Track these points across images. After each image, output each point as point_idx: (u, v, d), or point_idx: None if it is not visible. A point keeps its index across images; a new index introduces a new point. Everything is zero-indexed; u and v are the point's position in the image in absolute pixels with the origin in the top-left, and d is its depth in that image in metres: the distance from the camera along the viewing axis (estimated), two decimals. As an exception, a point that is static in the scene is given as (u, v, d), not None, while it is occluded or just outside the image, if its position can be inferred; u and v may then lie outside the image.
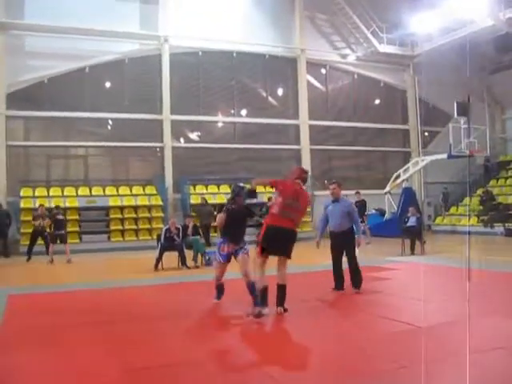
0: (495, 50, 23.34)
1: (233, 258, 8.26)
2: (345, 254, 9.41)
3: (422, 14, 25.34)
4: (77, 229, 20.90)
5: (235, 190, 8.56)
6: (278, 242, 7.65)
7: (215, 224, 22.15)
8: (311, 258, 13.72)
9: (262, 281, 7.71)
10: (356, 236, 9.48)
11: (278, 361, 5.72)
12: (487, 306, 7.79)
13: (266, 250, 7.72)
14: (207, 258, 14.76)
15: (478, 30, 23.37)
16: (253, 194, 8.97)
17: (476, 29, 23.55)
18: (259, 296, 7.60)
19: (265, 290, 7.68)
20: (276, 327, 7.35)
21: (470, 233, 23.00)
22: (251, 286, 7.81)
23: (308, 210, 8.03)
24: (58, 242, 16.79)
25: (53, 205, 19.07)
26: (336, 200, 9.45)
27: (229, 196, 9.18)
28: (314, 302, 8.73)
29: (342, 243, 9.34)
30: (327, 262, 9.61)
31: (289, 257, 7.83)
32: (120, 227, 21.57)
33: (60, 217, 17.08)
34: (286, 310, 7.67)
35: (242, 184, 8.72)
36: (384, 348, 6.05)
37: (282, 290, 7.68)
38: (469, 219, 25.19)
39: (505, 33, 22.86)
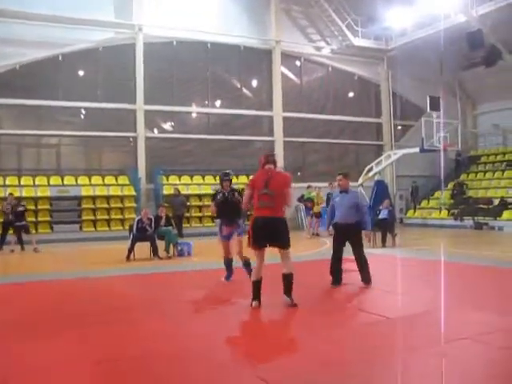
0: (468, 46, 23.56)
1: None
2: (351, 249, 9.22)
3: (396, 9, 25.54)
4: (48, 218, 20.72)
5: (221, 177, 9.94)
6: (263, 232, 7.45)
7: (187, 214, 22.40)
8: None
9: (256, 273, 7.63)
10: (363, 230, 9.38)
11: (252, 351, 5.77)
12: (456, 297, 7.93)
13: (255, 241, 7.57)
14: (179, 248, 14.76)
15: (451, 25, 23.60)
16: None
17: (449, 24, 23.77)
18: (252, 286, 7.63)
19: (257, 282, 7.58)
20: (251, 318, 7.37)
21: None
22: (246, 263, 9.34)
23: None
24: (23, 232, 16.98)
25: (24, 194, 18.92)
26: (344, 191, 9.37)
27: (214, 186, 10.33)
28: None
29: (346, 236, 9.19)
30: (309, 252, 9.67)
31: (283, 246, 7.51)
32: (92, 217, 21.44)
33: (20, 208, 17.01)
34: (294, 305, 7.48)
35: (228, 171, 9.92)
36: (354, 339, 6.13)
37: (286, 278, 7.53)
38: (445, 212, 25.52)
39: (477, 29, 23.12)
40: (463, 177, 28.04)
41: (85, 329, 6.65)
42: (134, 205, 21.93)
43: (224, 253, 9.78)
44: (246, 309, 7.54)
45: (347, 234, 9.16)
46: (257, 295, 7.56)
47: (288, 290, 7.55)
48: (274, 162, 7.74)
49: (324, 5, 26.45)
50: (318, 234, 20.42)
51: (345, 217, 9.18)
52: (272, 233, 7.45)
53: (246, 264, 9.36)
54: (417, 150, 23.59)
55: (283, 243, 7.51)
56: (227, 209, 9.59)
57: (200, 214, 23.08)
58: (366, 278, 9.11)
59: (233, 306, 8.04)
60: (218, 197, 9.74)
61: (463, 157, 29.13)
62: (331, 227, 9.52)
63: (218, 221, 9.93)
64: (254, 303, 7.52)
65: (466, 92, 30.25)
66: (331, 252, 9.39)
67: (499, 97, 27.78)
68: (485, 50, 23.55)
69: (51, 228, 20.63)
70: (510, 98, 26.92)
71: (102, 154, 24.03)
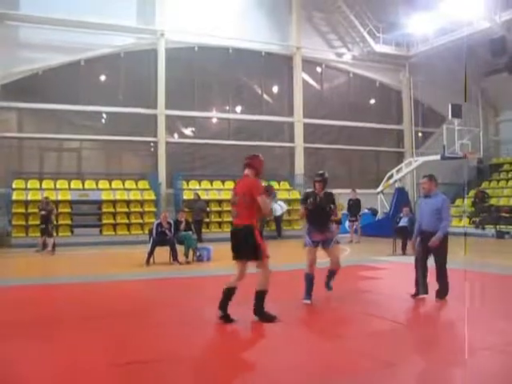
0: (490, 52, 23.37)
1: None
2: (433, 258, 8.50)
3: (418, 15, 25.41)
4: (68, 222, 20.85)
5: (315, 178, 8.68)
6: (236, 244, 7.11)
7: (207, 220, 22.41)
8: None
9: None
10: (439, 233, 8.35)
11: (263, 359, 5.73)
12: (478, 307, 7.83)
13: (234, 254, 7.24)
14: (198, 254, 14.75)
15: (474, 32, 23.44)
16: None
17: (472, 31, 23.63)
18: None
19: (227, 291, 7.15)
20: (264, 329, 7.33)
21: (466, 234, 23.12)
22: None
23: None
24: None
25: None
26: (428, 195, 8.72)
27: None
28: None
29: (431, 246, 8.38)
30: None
31: (251, 259, 7.08)
32: (112, 221, 21.52)
33: (43, 212, 17.23)
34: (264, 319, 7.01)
35: (321, 171, 8.76)
36: (370, 346, 6.06)
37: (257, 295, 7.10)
38: (467, 220, 25.27)
39: (500, 36, 22.90)
40: (485, 185, 27.73)
41: (102, 332, 6.67)
42: (153, 209, 21.99)
43: (309, 264, 8.59)
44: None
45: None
46: (223, 305, 7.09)
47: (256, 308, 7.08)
48: (249, 166, 7.48)
49: (345, 11, 26.44)
50: (337, 242, 20.25)
51: (428, 224, 8.55)
52: (239, 245, 7.08)
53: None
54: (438, 157, 23.40)
55: (249, 256, 7.10)
56: (318, 213, 8.51)
57: (220, 220, 23.07)
58: (442, 293, 8.40)
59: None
60: (309, 201, 8.53)
61: (485, 164, 28.83)
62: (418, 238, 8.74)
63: (306, 226, 8.86)
64: (220, 312, 7.06)
65: (488, 99, 29.97)
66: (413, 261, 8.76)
67: (522, 104, 27.50)
68: (508, 56, 23.30)
69: (71, 231, 20.76)
70: (533, 105, 26.66)
71: (123, 159, 24.17)
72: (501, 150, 30.66)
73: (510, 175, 27.62)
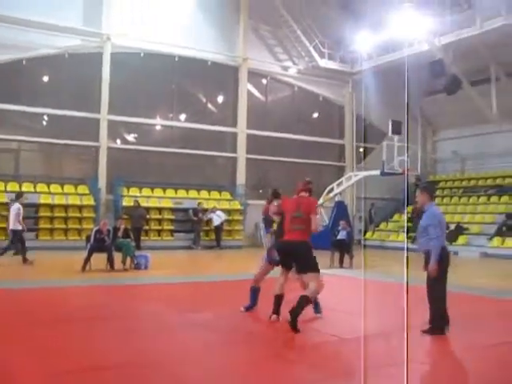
0: (430, 73, 24.11)
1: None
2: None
3: (363, 33, 26.00)
4: (3, 225, 20.25)
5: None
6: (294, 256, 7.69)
7: (147, 227, 22.21)
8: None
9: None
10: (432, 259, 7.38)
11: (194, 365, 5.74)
12: (414, 321, 8.00)
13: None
14: (136, 261, 14.61)
15: (415, 53, 24.14)
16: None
17: (413, 52, 24.36)
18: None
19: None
20: (196, 334, 7.35)
21: (407, 249, 23.56)
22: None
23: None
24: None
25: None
26: (423, 210, 7.80)
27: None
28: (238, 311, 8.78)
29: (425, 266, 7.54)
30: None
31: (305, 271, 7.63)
32: (49, 226, 21.06)
33: None
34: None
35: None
36: (308, 358, 6.15)
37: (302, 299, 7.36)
38: (405, 235, 25.85)
39: (439, 58, 23.70)
40: (421, 201, 28.42)
41: (36, 340, 6.54)
42: (92, 215, 21.64)
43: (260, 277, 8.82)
44: (204, 323, 7.51)
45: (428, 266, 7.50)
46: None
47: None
48: (308, 191, 8.05)
49: (292, 25, 26.79)
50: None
51: (420, 243, 7.68)
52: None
53: None
54: (377, 172, 23.86)
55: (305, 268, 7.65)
56: None
57: (159, 227, 22.93)
58: (431, 327, 7.40)
59: (185, 319, 7.99)
60: None
61: (422, 181, 29.60)
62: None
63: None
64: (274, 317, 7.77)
65: (427, 118, 30.87)
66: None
67: (458, 124, 28.46)
68: (446, 78, 24.10)
69: (6, 235, 20.16)
70: (468, 125, 27.62)
71: (63, 163, 23.74)
72: (438, 168, 31.61)
73: (445, 192, 28.47)
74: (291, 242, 7.59)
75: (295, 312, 7.09)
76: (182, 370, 5.66)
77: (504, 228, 22.56)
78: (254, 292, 8.58)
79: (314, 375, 5.46)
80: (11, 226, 15.69)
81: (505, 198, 25.27)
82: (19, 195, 16.79)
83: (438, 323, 7.41)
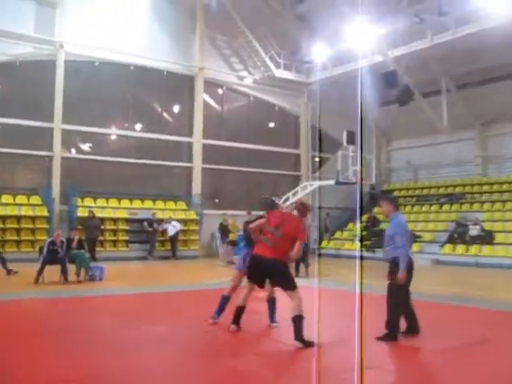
0: (384, 84, 24.54)
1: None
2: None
3: (318, 44, 26.37)
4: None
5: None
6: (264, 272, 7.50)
7: (101, 238, 21.94)
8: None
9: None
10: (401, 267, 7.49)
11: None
12: (368, 328, 8.12)
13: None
14: (90, 273, 14.41)
15: (369, 64, 24.61)
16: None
17: (367, 63, 24.79)
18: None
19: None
20: (159, 345, 7.30)
21: (362, 257, 23.90)
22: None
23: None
24: None
25: None
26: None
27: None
28: (196, 320, 8.76)
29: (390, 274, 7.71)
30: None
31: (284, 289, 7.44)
32: (1, 237, 20.56)
33: None
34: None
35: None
36: (264, 368, 6.18)
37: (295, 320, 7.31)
38: (359, 244, 26.15)
39: (392, 70, 24.16)
40: (376, 210, 28.88)
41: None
42: (46, 226, 21.24)
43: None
44: (161, 335, 7.46)
45: (393, 273, 7.62)
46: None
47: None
48: (301, 212, 7.79)
49: (248, 35, 26.91)
50: (232, 262, 20.34)
51: (386, 251, 7.88)
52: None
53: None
54: (332, 182, 24.13)
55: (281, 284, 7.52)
56: None
57: (114, 238, 22.67)
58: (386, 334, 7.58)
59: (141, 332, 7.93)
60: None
61: (377, 190, 30.06)
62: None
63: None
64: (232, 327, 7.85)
65: (381, 128, 31.43)
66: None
67: (411, 134, 29.08)
68: (399, 89, 24.55)
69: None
70: (421, 136, 28.29)
71: (15, 172, 23.23)
72: (392, 177, 32.17)
73: (399, 201, 28.83)
74: (266, 260, 7.33)
75: (299, 336, 7.14)
76: (141, 382, 5.62)
77: (455, 235, 23.06)
78: (224, 300, 8.52)
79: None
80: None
81: (456, 207, 25.89)
82: None
83: (394, 330, 7.57)
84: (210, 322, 8.27)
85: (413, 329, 7.76)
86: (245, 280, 8.22)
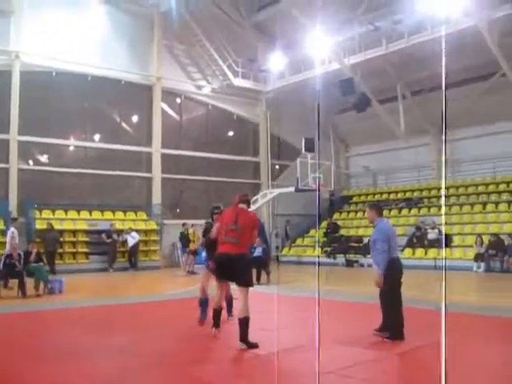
0: (341, 92, 24.88)
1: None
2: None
3: (275, 53, 26.62)
4: None
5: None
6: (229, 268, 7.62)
7: (60, 250, 21.62)
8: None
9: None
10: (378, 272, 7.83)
11: None
12: (324, 333, 8.20)
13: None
14: (49, 286, 14.20)
15: (326, 72, 24.94)
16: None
17: (324, 71, 25.11)
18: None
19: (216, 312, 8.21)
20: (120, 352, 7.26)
21: (319, 263, 24.12)
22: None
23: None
24: None
25: None
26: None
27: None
28: (167, 333, 8.73)
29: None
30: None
31: (243, 284, 7.58)
32: (-45, 252, 20.11)
33: None
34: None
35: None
36: (224, 376, 6.20)
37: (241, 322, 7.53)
38: (320, 250, 26.35)
39: (348, 77, 24.52)
40: (336, 216, 29.20)
41: None
42: (2, 240, 20.83)
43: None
44: (120, 347, 7.42)
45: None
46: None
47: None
48: (246, 202, 8.15)
49: (206, 44, 26.96)
50: (193, 272, 20.30)
51: (371, 256, 8.26)
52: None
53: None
54: (292, 189, 24.32)
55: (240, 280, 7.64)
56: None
57: (74, 250, 22.38)
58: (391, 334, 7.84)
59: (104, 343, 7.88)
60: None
61: (336, 196, 30.40)
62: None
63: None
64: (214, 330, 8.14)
65: (340, 135, 31.83)
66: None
67: (369, 140, 29.55)
68: (356, 96, 24.92)
69: None
70: (378, 142, 28.78)
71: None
72: (351, 183, 32.56)
73: (358, 207, 29.30)
74: (226, 255, 7.54)
75: (244, 339, 7.41)
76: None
77: (414, 239, 23.45)
78: (203, 304, 9.05)
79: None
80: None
81: (414, 211, 26.34)
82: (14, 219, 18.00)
83: (399, 329, 7.86)
84: (213, 332, 8.24)
85: (387, 329, 7.92)
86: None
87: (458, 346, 6.82)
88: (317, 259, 25.29)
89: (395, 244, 8.13)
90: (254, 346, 7.36)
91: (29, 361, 6.90)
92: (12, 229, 16.52)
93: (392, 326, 7.86)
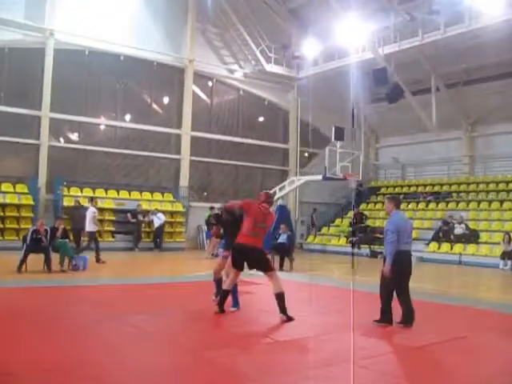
0: (374, 81, 24.61)
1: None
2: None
3: (310, 39, 26.39)
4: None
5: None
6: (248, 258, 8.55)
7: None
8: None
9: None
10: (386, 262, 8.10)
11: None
12: (343, 323, 8.18)
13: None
14: (74, 262, 14.36)
15: (360, 61, 24.67)
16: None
17: (358, 59, 24.83)
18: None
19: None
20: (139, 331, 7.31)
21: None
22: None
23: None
24: None
25: None
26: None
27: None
28: (184, 314, 8.78)
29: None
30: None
31: (271, 269, 8.73)
32: (-15, 225, 20.47)
33: None
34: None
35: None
36: (243, 360, 6.20)
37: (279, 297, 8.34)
38: (345, 239, 26.22)
39: (382, 67, 24.20)
40: (363, 206, 29.00)
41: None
42: (31, 215, 21.12)
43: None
44: (142, 325, 7.47)
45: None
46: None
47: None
48: (271, 204, 9.09)
49: (240, 28, 26.81)
50: (217, 255, 20.27)
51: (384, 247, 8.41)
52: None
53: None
54: (320, 177, 24.19)
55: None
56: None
57: (101, 229, 22.54)
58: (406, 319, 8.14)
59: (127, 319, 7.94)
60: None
61: (364, 187, 30.18)
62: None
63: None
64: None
65: (370, 125, 31.49)
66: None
67: (399, 132, 29.20)
68: (388, 87, 24.60)
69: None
70: (409, 134, 28.38)
71: (1, 160, 23.03)
72: (379, 174, 32.27)
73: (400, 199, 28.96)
74: (251, 247, 8.43)
75: (283, 311, 8.29)
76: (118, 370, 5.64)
77: (440, 234, 23.18)
78: (218, 282, 9.67)
79: (248, 376, 5.51)
80: (87, 228, 17.62)
81: (442, 205, 26.02)
82: (92, 199, 19.09)
83: (410, 317, 8.15)
84: (231, 309, 9.05)
85: (408, 321, 8.14)
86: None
87: (481, 343, 6.73)
88: (341, 248, 25.12)
89: (407, 237, 8.19)
90: (291, 318, 8.21)
91: (45, 332, 6.99)
92: (93, 208, 18.04)
93: (384, 311, 8.19)
